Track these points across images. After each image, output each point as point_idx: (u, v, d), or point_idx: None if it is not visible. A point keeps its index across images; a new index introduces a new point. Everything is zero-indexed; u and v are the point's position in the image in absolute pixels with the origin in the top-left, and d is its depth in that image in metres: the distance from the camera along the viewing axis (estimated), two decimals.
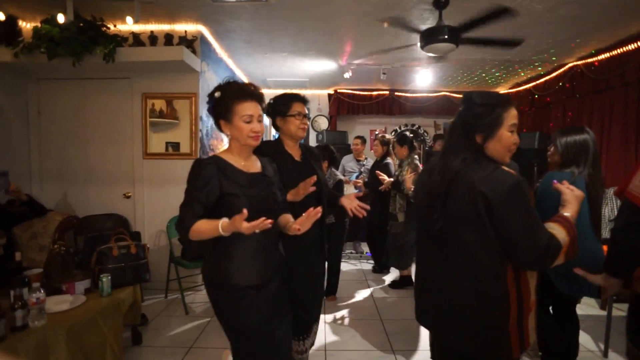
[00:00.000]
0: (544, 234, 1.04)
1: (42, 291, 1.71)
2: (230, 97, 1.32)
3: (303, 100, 1.78)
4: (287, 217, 1.47)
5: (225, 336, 1.42)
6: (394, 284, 3.65)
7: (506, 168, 1.11)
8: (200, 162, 1.31)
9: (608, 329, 2.38)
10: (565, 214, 1.13)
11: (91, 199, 3.46)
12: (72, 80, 3.40)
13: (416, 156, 3.53)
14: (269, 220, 1.16)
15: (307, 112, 1.79)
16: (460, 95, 5.06)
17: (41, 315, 1.69)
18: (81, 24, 2.91)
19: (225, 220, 1.21)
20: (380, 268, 4.10)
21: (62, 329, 1.68)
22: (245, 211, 1.14)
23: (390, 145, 3.86)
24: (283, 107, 1.75)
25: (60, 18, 2.73)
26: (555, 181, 1.22)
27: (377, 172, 3.35)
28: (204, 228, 1.25)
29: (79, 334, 1.78)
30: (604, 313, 2.60)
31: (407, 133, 3.69)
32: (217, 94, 1.34)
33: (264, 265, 1.38)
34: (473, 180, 1.07)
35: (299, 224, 1.31)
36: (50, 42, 2.83)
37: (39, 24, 2.92)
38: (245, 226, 1.15)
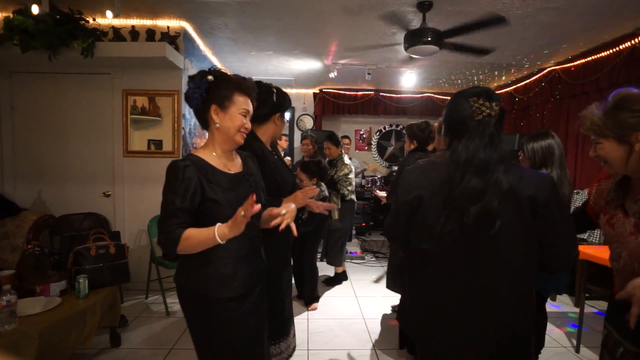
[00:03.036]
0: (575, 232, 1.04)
1: (13, 293, 1.65)
2: (231, 85, 1.21)
3: None
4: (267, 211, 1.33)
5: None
6: (329, 281, 3.69)
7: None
8: (176, 164, 1.15)
9: (580, 325, 2.47)
10: None
11: (68, 197, 3.35)
12: (48, 74, 3.27)
13: (346, 155, 3.71)
14: (258, 206, 1.02)
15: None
16: (444, 97, 5.17)
17: (12, 318, 1.63)
18: (57, 16, 2.81)
19: (220, 225, 1.08)
20: None
21: (34, 332, 1.63)
22: (254, 198, 1.01)
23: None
24: (286, 108, 1.74)
25: (35, 9, 2.62)
26: None
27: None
28: (195, 237, 1.10)
29: (53, 336, 1.72)
30: (577, 310, 2.70)
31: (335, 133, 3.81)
32: (210, 77, 1.20)
33: (248, 273, 1.24)
34: (510, 184, 0.98)
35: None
36: (23, 34, 2.72)
37: (10, 15, 2.80)
38: (241, 219, 1.02)
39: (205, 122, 1.25)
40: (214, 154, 1.24)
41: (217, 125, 1.21)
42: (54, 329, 1.75)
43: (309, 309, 3.11)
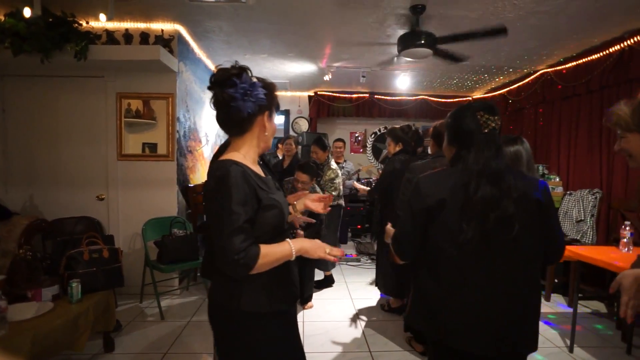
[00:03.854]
0: None
1: (3, 299, 1.63)
2: (275, 92, 1.18)
3: None
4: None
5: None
6: (318, 284, 3.66)
7: None
8: (233, 169, 1.03)
9: (574, 325, 2.49)
10: None
11: (61, 201, 3.31)
12: (41, 78, 3.25)
13: (333, 160, 3.72)
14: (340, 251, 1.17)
15: None
16: (439, 99, 5.21)
17: (2, 324, 1.61)
18: (50, 19, 2.80)
19: (295, 240, 1.10)
20: None
21: (26, 338, 1.61)
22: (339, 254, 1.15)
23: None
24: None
25: (27, 12, 2.61)
26: None
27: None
28: (272, 254, 1.04)
29: (45, 342, 1.70)
30: (570, 310, 2.72)
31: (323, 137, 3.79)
32: (255, 80, 1.12)
33: (296, 283, 1.22)
34: (521, 189, 1.11)
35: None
36: (15, 37, 2.70)
37: (2, 17, 2.79)
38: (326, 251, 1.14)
39: (244, 127, 1.13)
40: (246, 159, 1.13)
41: (267, 133, 1.17)
42: (46, 335, 1.73)
43: (305, 307, 3.14)
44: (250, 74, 1.11)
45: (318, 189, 3.10)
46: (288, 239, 1.10)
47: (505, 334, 1.11)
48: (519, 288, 1.12)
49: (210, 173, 1.08)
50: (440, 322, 1.15)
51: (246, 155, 1.14)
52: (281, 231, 1.13)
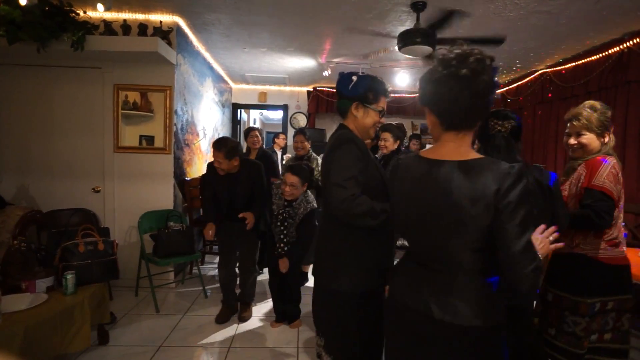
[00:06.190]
0: None
1: None
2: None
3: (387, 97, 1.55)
4: None
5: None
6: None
7: None
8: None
9: None
10: None
11: (56, 192, 3.29)
12: (36, 67, 3.21)
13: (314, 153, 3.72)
14: None
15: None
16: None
17: None
18: (47, 8, 2.76)
19: None
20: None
21: (19, 329, 1.60)
22: None
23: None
24: (372, 95, 1.48)
25: (22, 0, 2.57)
26: None
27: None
28: None
29: (38, 334, 1.70)
30: None
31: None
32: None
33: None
34: (540, 179, 1.42)
35: None
36: (10, 25, 2.66)
37: None
38: None
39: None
40: None
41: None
42: (40, 327, 1.73)
43: (292, 327, 2.75)
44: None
45: (311, 198, 2.64)
46: None
47: None
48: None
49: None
50: None
51: None
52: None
